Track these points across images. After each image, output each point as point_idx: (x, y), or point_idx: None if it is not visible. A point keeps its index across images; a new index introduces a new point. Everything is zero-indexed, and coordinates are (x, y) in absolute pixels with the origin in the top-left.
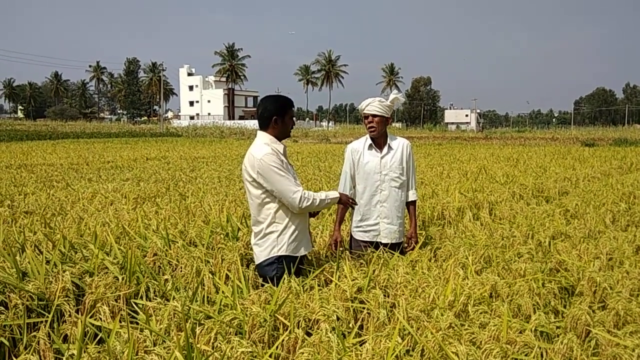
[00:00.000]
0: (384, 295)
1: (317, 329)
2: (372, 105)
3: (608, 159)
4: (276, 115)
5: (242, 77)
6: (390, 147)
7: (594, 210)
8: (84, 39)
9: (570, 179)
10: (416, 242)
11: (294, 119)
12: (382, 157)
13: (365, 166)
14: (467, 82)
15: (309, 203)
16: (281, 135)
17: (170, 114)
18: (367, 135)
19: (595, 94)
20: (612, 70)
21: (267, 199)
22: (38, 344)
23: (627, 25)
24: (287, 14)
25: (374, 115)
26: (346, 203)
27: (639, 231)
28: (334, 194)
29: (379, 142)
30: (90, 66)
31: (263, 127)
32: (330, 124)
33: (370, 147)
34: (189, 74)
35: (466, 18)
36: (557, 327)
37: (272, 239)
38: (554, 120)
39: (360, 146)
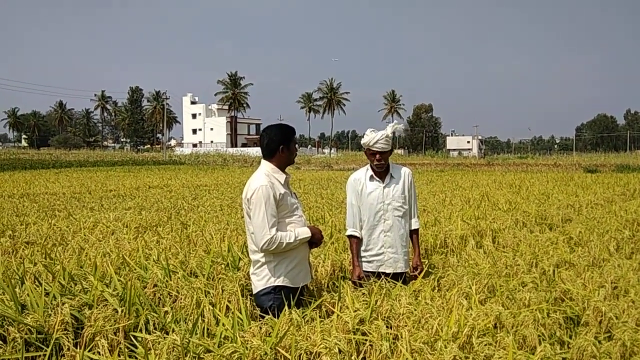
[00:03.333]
0: (387, 327)
1: None
2: (380, 143)
3: (611, 185)
4: (282, 144)
5: (244, 105)
6: (392, 177)
7: (598, 238)
8: (89, 69)
9: (574, 206)
10: (422, 271)
11: (297, 145)
12: (384, 187)
13: (368, 196)
14: (469, 109)
15: (274, 247)
16: (287, 162)
17: (173, 142)
18: (368, 166)
19: (597, 120)
20: (613, 97)
21: None
22: None
23: (627, 52)
24: (289, 42)
25: (382, 152)
26: (319, 240)
27: None
28: (305, 233)
29: (381, 172)
30: (95, 95)
31: (268, 156)
32: (332, 150)
33: (371, 177)
34: (192, 102)
35: (467, 45)
36: (563, 359)
37: (269, 269)
38: (555, 146)
39: (362, 176)
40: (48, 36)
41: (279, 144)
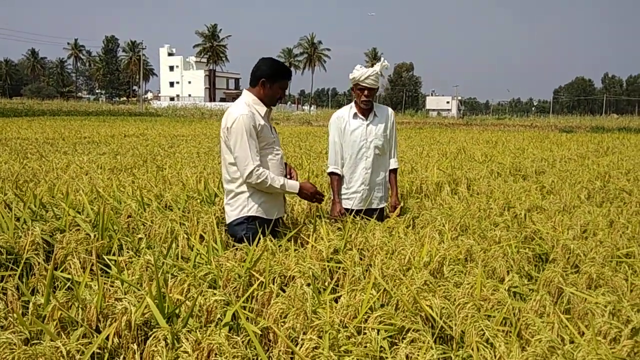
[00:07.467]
0: (360, 258)
1: (293, 284)
2: (370, 79)
3: (585, 143)
4: (265, 78)
5: (223, 59)
6: (375, 115)
7: (570, 187)
8: (63, 15)
9: (547, 160)
10: (400, 207)
11: (286, 91)
12: (367, 125)
13: (351, 134)
14: (449, 69)
15: (258, 180)
16: (265, 100)
17: (149, 95)
18: (352, 104)
19: (575, 83)
20: (591, 60)
21: None
22: (5, 295)
23: (607, 16)
24: None
25: (370, 89)
26: (308, 198)
27: (613, 207)
28: (294, 185)
29: (365, 110)
30: (68, 44)
31: (251, 84)
32: (312, 108)
33: (355, 115)
34: (170, 54)
35: (449, 3)
36: (530, 290)
37: (242, 199)
38: (533, 109)
39: (345, 114)
40: None
41: (261, 76)
